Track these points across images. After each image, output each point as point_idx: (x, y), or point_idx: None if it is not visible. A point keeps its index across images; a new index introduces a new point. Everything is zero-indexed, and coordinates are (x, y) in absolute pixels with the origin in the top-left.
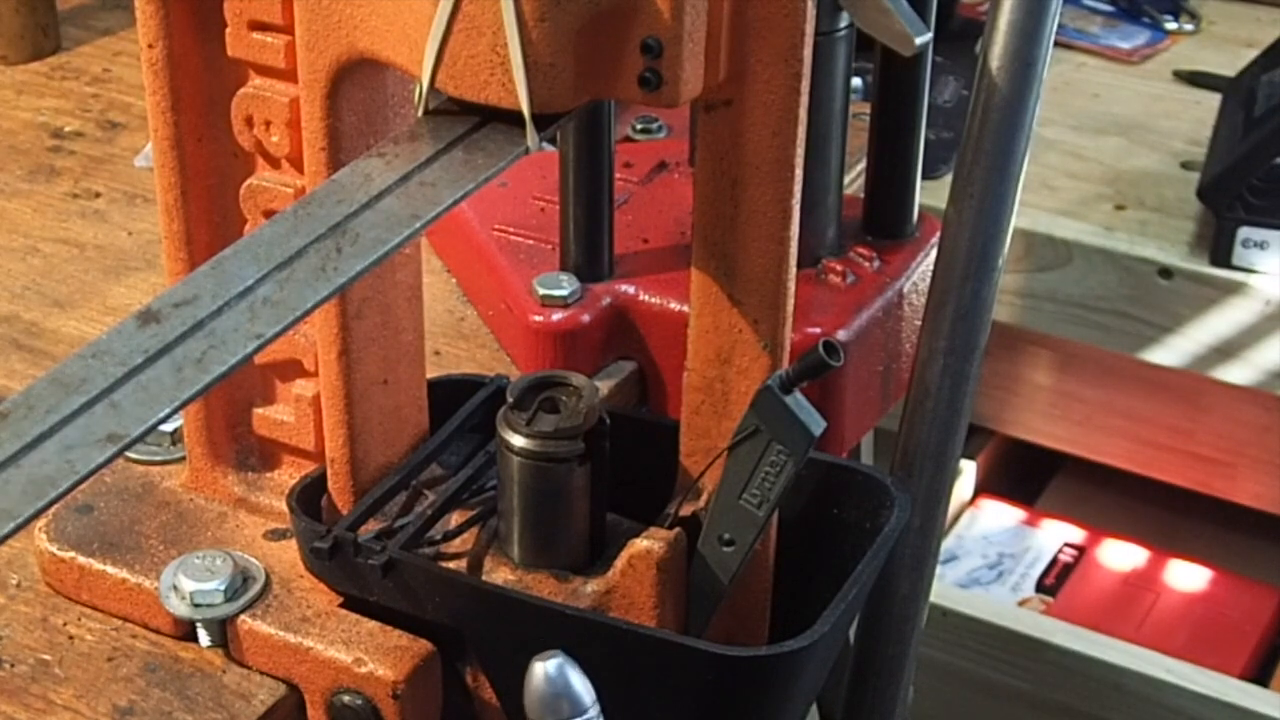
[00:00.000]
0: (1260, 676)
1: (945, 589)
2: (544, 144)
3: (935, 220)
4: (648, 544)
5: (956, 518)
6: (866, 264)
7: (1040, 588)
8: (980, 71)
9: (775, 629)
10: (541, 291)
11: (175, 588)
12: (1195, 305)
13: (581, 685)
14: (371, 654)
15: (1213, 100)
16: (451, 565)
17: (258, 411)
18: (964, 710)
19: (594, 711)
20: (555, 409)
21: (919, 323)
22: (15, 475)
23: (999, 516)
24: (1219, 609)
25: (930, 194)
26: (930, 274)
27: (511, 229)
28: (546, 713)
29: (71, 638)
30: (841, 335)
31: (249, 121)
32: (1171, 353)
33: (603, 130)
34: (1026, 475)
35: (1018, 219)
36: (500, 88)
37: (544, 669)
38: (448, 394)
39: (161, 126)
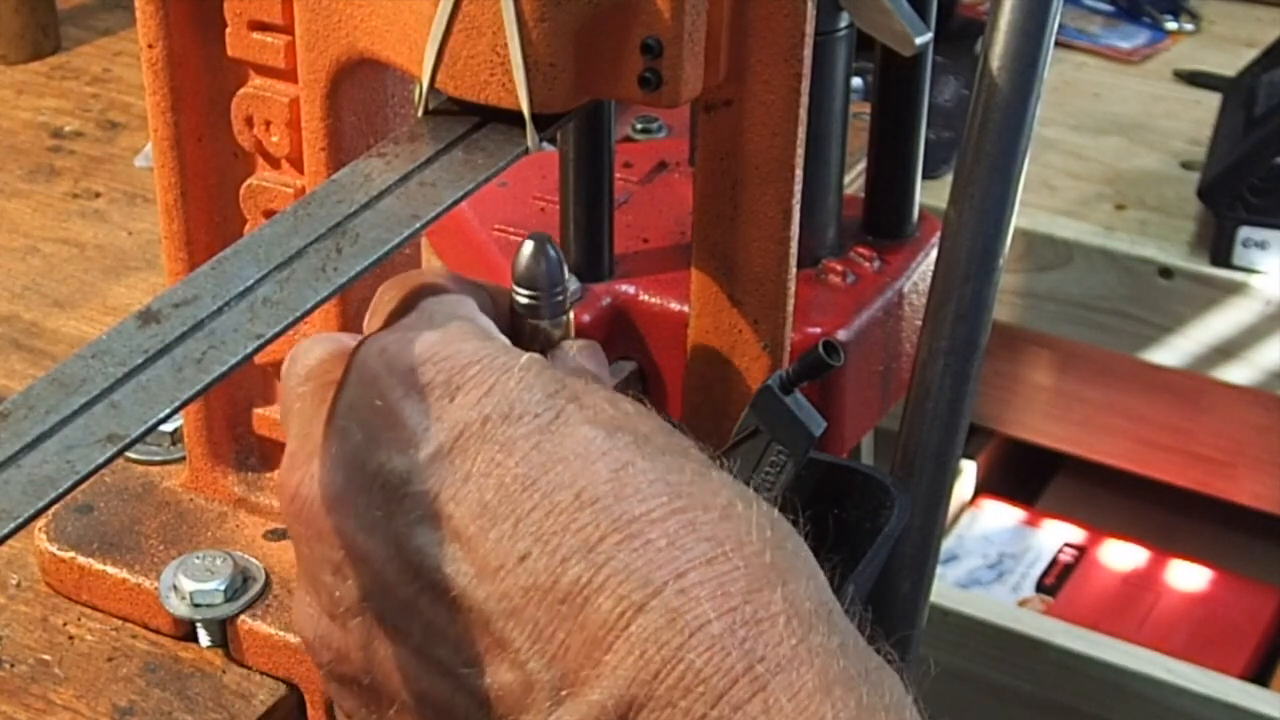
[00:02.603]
0: (1260, 676)
1: (945, 589)
2: (544, 144)
3: (935, 220)
4: None
5: (956, 518)
6: (866, 264)
7: (1040, 588)
8: (981, 71)
9: None
10: None
11: (175, 588)
12: (1195, 305)
13: (559, 263)
14: None
15: (1213, 100)
16: None
17: (258, 411)
18: (964, 710)
19: (570, 285)
20: None
21: (919, 323)
22: (15, 475)
23: (999, 516)
24: (1219, 609)
25: (930, 194)
26: (930, 274)
27: (511, 229)
28: (527, 283)
29: (71, 638)
30: (841, 335)
31: (249, 121)
32: (1171, 353)
33: (603, 130)
34: (1026, 475)
35: (1018, 219)
36: (500, 88)
37: (530, 243)
38: None
39: (161, 126)
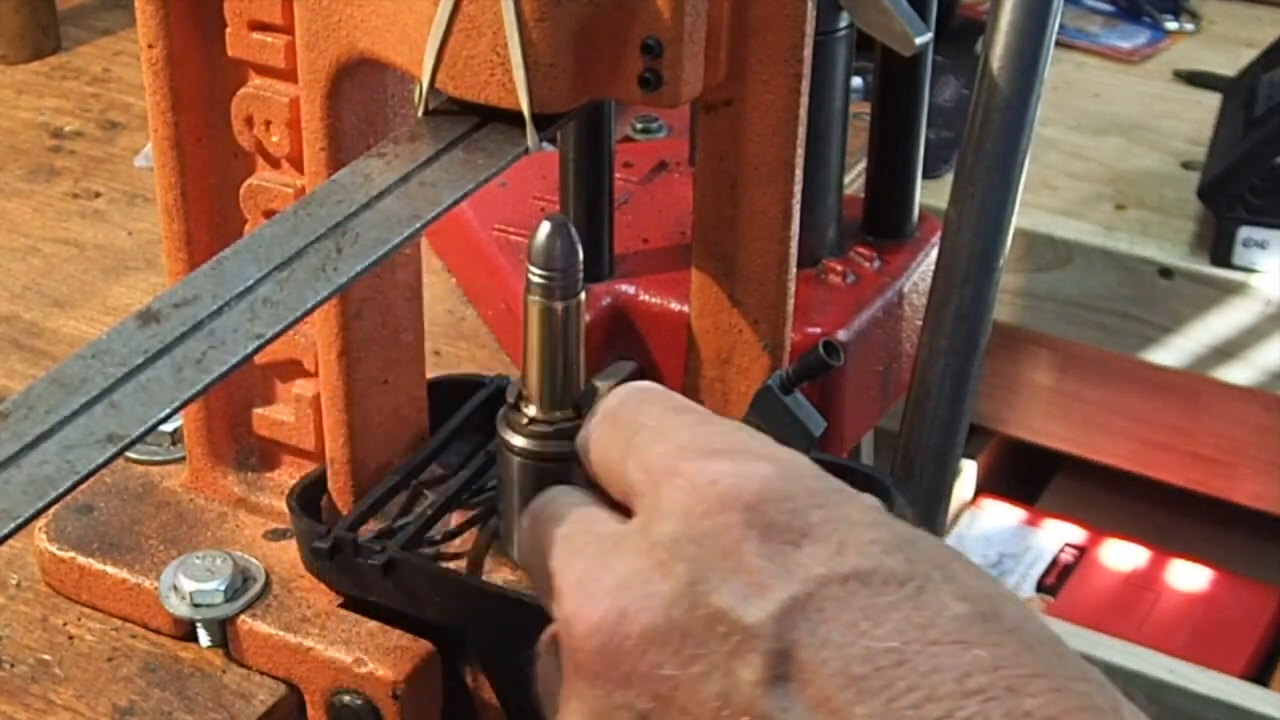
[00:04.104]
0: (1260, 676)
1: None
2: (544, 144)
3: (935, 220)
4: None
5: (956, 518)
6: (866, 264)
7: (1041, 588)
8: (981, 71)
9: None
10: None
11: (175, 588)
12: (1195, 305)
13: (574, 244)
14: (371, 654)
15: (1213, 100)
16: (451, 565)
17: (258, 411)
18: None
19: (578, 267)
20: None
21: (919, 323)
22: (15, 475)
23: (999, 516)
24: (1219, 609)
25: (930, 194)
26: (930, 274)
27: (511, 229)
28: (543, 262)
29: (71, 638)
30: (841, 335)
31: (249, 121)
32: (1171, 353)
33: (603, 130)
34: (1026, 475)
35: (1018, 219)
36: (500, 88)
37: (547, 224)
38: (448, 394)
39: (161, 126)
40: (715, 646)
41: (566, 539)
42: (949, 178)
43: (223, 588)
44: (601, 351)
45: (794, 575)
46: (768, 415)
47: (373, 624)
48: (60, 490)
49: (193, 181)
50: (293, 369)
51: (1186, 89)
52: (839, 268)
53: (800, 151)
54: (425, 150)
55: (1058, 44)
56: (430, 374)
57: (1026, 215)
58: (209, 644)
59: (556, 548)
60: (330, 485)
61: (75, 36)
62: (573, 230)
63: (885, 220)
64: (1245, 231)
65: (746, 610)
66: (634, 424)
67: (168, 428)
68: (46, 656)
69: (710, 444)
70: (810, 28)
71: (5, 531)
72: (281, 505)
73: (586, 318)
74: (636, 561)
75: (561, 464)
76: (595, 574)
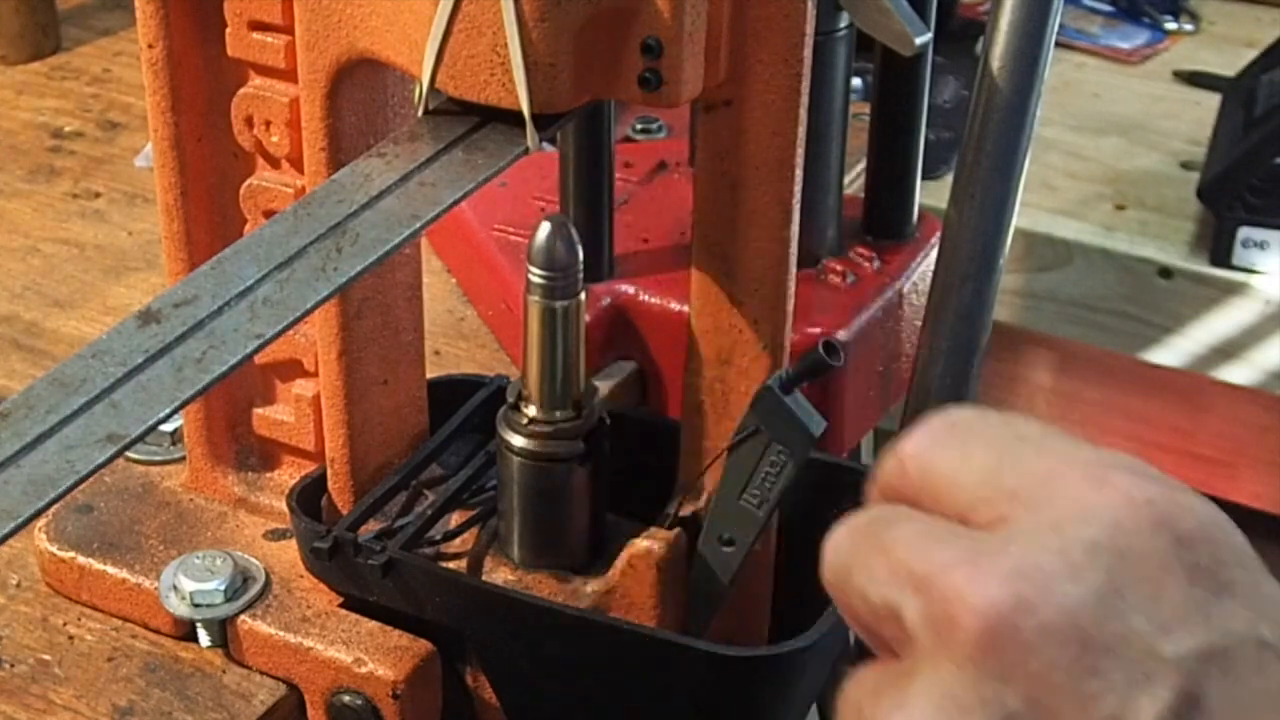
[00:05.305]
0: None
1: None
2: (544, 144)
3: (935, 220)
4: (648, 544)
5: None
6: (866, 264)
7: None
8: (981, 71)
9: (775, 629)
10: None
11: (175, 588)
12: (1195, 305)
13: (574, 244)
14: (371, 654)
15: (1213, 100)
16: (451, 565)
17: (258, 411)
18: None
19: (578, 267)
20: None
21: (919, 323)
22: (15, 475)
23: None
24: None
25: (930, 194)
26: (930, 274)
27: (511, 229)
28: (544, 262)
29: (71, 638)
30: (841, 335)
31: (249, 121)
32: (1171, 353)
33: (603, 130)
34: None
35: (1018, 219)
36: (500, 88)
37: (547, 224)
38: (448, 394)
39: (161, 126)
40: (1119, 667)
41: (922, 533)
42: (949, 178)
43: (223, 588)
44: (601, 351)
45: (1213, 623)
46: (768, 415)
47: (373, 624)
48: (60, 490)
49: (193, 181)
50: (293, 369)
51: (1186, 89)
52: (839, 268)
53: (800, 151)
54: (425, 150)
55: (1058, 44)
56: (430, 374)
57: (1026, 215)
58: (209, 644)
59: (907, 541)
60: (330, 485)
61: (75, 36)
62: (573, 230)
63: (885, 220)
64: (1245, 231)
65: (1165, 641)
66: (995, 435)
67: (168, 428)
68: (46, 656)
69: (1114, 460)
70: (810, 28)
71: (5, 531)
72: (281, 505)
73: (586, 318)
74: (1040, 556)
75: (561, 464)
76: (989, 554)
